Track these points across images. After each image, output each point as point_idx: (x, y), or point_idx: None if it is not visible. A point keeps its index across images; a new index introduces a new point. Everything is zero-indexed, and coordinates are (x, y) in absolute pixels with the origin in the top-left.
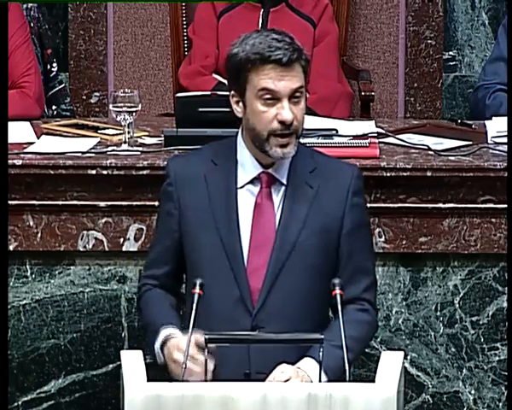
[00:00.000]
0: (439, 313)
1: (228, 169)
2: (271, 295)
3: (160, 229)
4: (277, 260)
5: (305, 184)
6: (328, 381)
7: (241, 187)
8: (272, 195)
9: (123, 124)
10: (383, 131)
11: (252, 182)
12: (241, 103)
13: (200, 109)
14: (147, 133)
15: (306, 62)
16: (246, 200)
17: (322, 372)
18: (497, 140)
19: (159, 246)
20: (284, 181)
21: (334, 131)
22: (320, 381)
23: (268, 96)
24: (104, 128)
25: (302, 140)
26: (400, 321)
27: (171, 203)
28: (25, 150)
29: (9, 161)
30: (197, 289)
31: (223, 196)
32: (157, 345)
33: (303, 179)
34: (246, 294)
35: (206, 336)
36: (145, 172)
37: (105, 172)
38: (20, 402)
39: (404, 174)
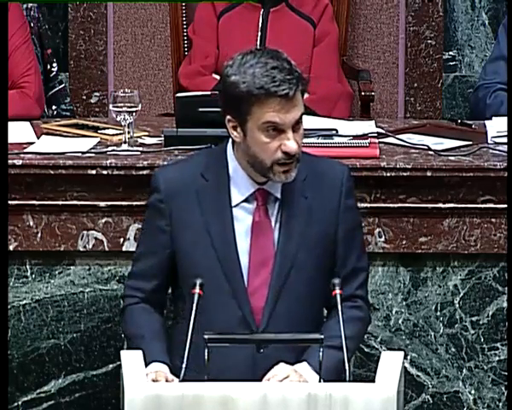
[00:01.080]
0: (439, 313)
1: (220, 186)
2: (275, 313)
3: (149, 242)
4: (279, 278)
5: (300, 194)
6: (325, 381)
7: (236, 205)
8: (268, 211)
9: (123, 124)
10: (383, 131)
11: (246, 199)
12: (239, 129)
13: (200, 109)
14: (147, 133)
15: (306, 85)
16: (241, 218)
17: (316, 374)
18: (497, 140)
19: (148, 259)
20: (279, 195)
21: (334, 131)
22: (320, 381)
23: (272, 127)
24: (104, 128)
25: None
26: (400, 321)
27: (163, 220)
28: (25, 150)
29: (9, 161)
30: (197, 289)
31: (217, 215)
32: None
33: (297, 190)
34: (248, 314)
35: (206, 336)
36: (145, 172)
37: (105, 172)
38: (20, 402)
39: (404, 174)
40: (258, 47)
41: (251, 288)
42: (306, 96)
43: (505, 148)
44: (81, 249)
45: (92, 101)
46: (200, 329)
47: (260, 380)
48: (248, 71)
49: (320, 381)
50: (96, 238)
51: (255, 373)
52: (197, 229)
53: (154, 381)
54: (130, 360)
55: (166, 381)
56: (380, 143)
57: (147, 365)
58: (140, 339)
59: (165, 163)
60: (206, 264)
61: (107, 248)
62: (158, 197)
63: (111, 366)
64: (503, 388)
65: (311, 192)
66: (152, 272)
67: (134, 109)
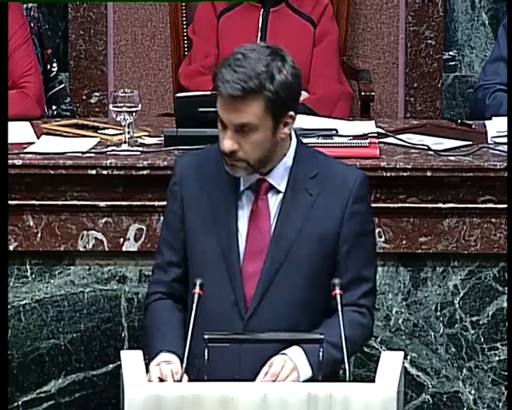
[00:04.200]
0: (439, 313)
1: (229, 173)
2: (263, 303)
3: (167, 231)
4: (270, 268)
5: (304, 190)
6: (313, 379)
7: (241, 192)
8: (269, 202)
9: (123, 124)
10: (383, 131)
11: (250, 188)
12: None
13: (200, 109)
14: (147, 133)
15: (276, 99)
16: (244, 205)
17: (309, 367)
18: (497, 140)
19: (167, 249)
20: (282, 188)
21: (334, 131)
22: (317, 378)
23: (220, 120)
24: (104, 128)
25: (302, 140)
26: (400, 321)
27: (177, 203)
28: (25, 150)
29: (9, 161)
30: (197, 289)
31: (223, 200)
32: (152, 364)
33: (302, 186)
34: (240, 299)
35: (206, 336)
36: (145, 172)
37: (105, 172)
38: (20, 402)
39: (404, 174)
40: (275, 46)
41: (245, 274)
42: (306, 96)
43: (505, 148)
44: (81, 249)
45: (92, 101)
46: (200, 312)
47: (247, 372)
48: (230, 57)
49: (319, 379)
50: (96, 238)
51: (241, 364)
52: (204, 213)
53: (160, 380)
54: (130, 360)
55: (172, 377)
56: (380, 143)
57: (156, 355)
58: (155, 331)
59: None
60: (208, 247)
61: (107, 249)
62: (173, 180)
63: (111, 366)
64: (503, 388)
65: (318, 190)
66: (171, 262)
67: (134, 109)
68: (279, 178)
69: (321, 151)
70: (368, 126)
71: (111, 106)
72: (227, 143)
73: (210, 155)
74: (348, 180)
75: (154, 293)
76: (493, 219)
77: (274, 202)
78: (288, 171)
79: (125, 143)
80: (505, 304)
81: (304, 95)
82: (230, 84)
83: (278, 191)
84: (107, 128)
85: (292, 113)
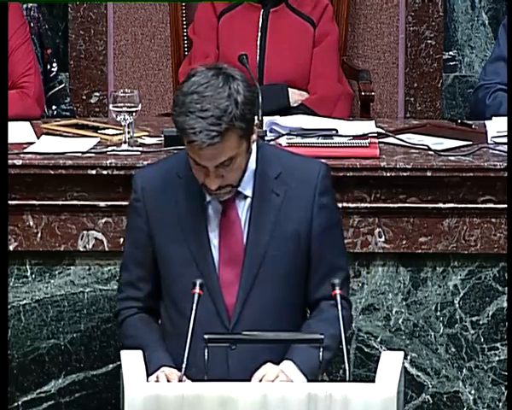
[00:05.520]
0: (439, 313)
1: (193, 183)
2: (246, 310)
3: (134, 247)
4: (249, 274)
5: (271, 192)
6: (308, 381)
7: (208, 202)
8: (237, 209)
9: (123, 124)
10: (383, 131)
11: None
12: None
13: None
14: (147, 133)
15: (245, 123)
16: (213, 215)
17: (300, 373)
18: (497, 140)
19: (135, 265)
20: (249, 193)
21: (334, 131)
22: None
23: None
24: (104, 128)
25: (302, 140)
26: (400, 321)
27: (141, 219)
28: (25, 150)
29: (9, 161)
30: (197, 289)
31: (190, 211)
32: (152, 377)
33: (268, 188)
34: (221, 308)
35: (206, 336)
36: None
37: (105, 172)
38: (20, 402)
39: (404, 174)
40: (219, 67)
41: (222, 283)
42: (306, 96)
43: (505, 148)
44: (81, 249)
45: (92, 101)
46: (177, 324)
47: (233, 376)
48: (186, 100)
49: (318, 379)
50: (96, 238)
51: (229, 368)
52: (171, 225)
53: (167, 380)
54: (130, 360)
55: (179, 380)
56: (380, 143)
57: (156, 370)
58: (146, 347)
59: (146, 163)
60: (180, 260)
61: (107, 249)
62: (134, 196)
63: (111, 366)
64: (503, 388)
65: (284, 189)
66: (141, 278)
67: (134, 109)
68: (245, 183)
69: (281, 149)
70: (368, 126)
71: (111, 106)
72: (213, 184)
73: (171, 168)
74: (311, 175)
75: (128, 308)
76: (493, 219)
77: (242, 207)
78: (252, 175)
79: (125, 143)
80: (505, 304)
81: (304, 95)
82: (204, 133)
83: (245, 196)
84: (107, 128)
85: (256, 120)
